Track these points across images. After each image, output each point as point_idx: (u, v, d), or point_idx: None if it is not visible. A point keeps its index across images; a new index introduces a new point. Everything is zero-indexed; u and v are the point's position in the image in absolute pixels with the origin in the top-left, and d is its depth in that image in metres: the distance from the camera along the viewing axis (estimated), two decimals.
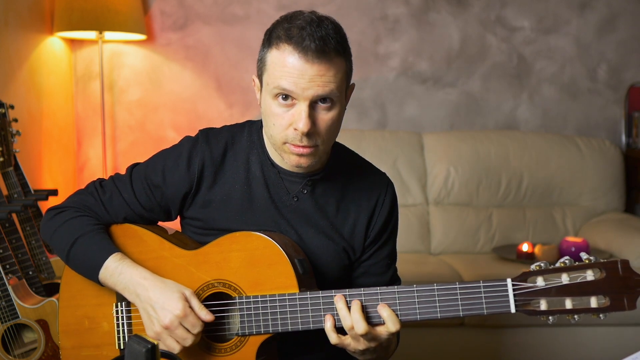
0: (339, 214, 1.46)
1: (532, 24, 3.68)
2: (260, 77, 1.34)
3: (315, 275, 1.42)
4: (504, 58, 3.68)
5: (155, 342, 1.00)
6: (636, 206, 3.70)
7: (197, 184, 1.43)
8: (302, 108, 1.27)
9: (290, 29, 1.26)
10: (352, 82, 1.37)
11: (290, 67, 1.25)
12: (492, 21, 3.66)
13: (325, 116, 1.30)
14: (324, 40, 1.24)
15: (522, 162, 3.41)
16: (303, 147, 1.30)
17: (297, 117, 1.27)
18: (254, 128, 1.48)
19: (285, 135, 1.30)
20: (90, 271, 1.38)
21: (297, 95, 1.26)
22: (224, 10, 3.54)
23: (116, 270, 1.35)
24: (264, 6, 3.53)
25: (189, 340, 1.31)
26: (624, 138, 3.74)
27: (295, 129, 1.28)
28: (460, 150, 3.39)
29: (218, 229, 1.43)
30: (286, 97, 1.27)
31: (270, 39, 1.29)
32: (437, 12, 3.62)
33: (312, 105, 1.28)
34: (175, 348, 1.31)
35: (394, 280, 1.53)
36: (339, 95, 1.30)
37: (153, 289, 1.32)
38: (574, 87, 3.73)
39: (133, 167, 1.49)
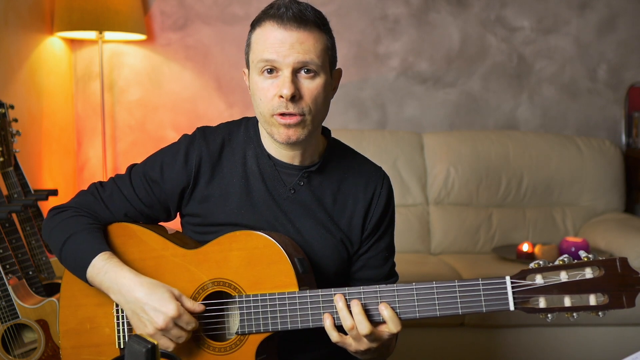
0: (336, 206, 1.47)
1: (532, 24, 3.68)
2: (247, 62, 1.40)
3: (314, 268, 1.43)
4: (504, 58, 3.69)
5: (155, 342, 1.00)
6: (636, 206, 3.70)
7: (194, 179, 1.45)
8: (285, 74, 1.32)
9: (269, 9, 1.35)
10: (339, 67, 1.43)
11: (271, 39, 1.32)
12: (492, 21, 3.66)
13: (309, 85, 1.34)
14: (301, 11, 1.32)
15: (522, 162, 3.41)
16: (290, 115, 1.33)
17: (281, 85, 1.32)
18: (250, 124, 1.50)
19: (271, 107, 1.34)
20: (79, 270, 1.38)
21: (280, 64, 1.31)
22: (224, 10, 3.54)
23: (102, 269, 1.34)
24: (264, 6, 3.52)
25: (183, 338, 1.31)
26: (624, 138, 3.74)
27: (280, 97, 1.32)
28: (460, 150, 3.39)
29: (217, 224, 1.44)
30: (271, 70, 1.33)
31: (253, 23, 1.38)
32: (437, 12, 3.63)
33: (295, 73, 1.33)
34: (169, 347, 1.31)
35: (392, 274, 1.54)
36: (321, 66, 1.34)
37: (139, 289, 1.31)
38: (574, 87, 3.73)
39: (132, 167, 1.52)
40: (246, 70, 1.43)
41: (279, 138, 1.37)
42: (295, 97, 1.32)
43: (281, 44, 1.31)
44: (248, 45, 1.39)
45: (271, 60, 1.31)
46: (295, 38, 1.31)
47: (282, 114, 1.33)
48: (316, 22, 1.33)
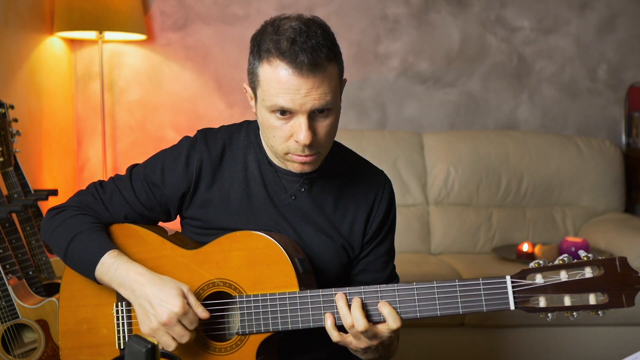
0: (337, 212, 1.47)
1: (532, 24, 3.68)
2: (253, 89, 1.34)
3: (315, 273, 1.42)
4: (504, 58, 3.69)
5: (155, 342, 1.00)
6: (636, 206, 3.70)
7: (195, 184, 1.44)
8: (301, 121, 1.27)
9: (279, 42, 1.24)
10: (343, 77, 1.38)
11: (285, 83, 1.24)
12: (492, 21, 3.66)
13: (324, 123, 1.31)
14: (316, 51, 1.23)
15: (522, 162, 3.41)
16: (306, 156, 1.31)
17: (297, 130, 1.28)
18: (251, 127, 1.49)
19: (287, 147, 1.31)
20: (87, 268, 1.37)
21: (295, 110, 1.27)
22: (224, 10, 3.54)
23: (112, 266, 1.35)
24: (264, 6, 3.54)
25: (185, 337, 1.30)
26: (624, 138, 3.74)
27: (296, 141, 1.29)
28: (460, 150, 3.39)
29: (217, 229, 1.44)
30: (284, 112, 1.28)
31: (260, 51, 1.28)
32: (437, 12, 3.63)
33: (311, 115, 1.28)
34: (170, 345, 1.30)
35: (392, 277, 1.54)
36: (335, 101, 1.30)
37: (150, 285, 1.32)
38: (574, 87, 3.73)
39: (133, 168, 1.51)
40: (249, 90, 1.37)
41: (292, 169, 1.37)
42: (312, 142, 1.29)
43: (296, 90, 1.24)
44: (254, 75, 1.30)
45: (286, 107, 1.26)
46: (311, 84, 1.24)
47: (298, 155, 1.32)
48: (329, 57, 1.26)
